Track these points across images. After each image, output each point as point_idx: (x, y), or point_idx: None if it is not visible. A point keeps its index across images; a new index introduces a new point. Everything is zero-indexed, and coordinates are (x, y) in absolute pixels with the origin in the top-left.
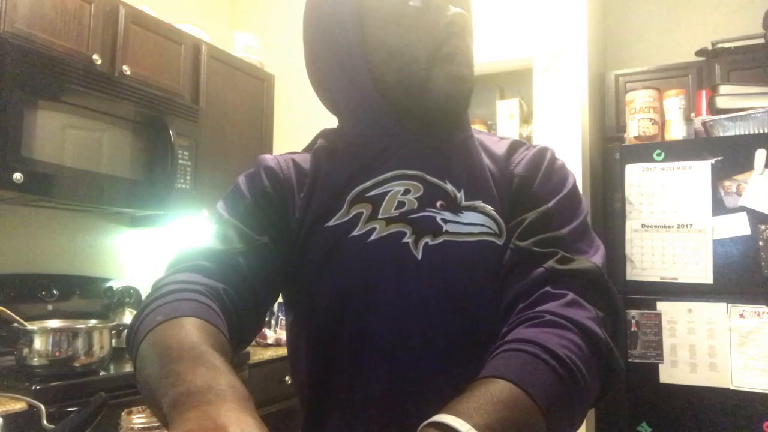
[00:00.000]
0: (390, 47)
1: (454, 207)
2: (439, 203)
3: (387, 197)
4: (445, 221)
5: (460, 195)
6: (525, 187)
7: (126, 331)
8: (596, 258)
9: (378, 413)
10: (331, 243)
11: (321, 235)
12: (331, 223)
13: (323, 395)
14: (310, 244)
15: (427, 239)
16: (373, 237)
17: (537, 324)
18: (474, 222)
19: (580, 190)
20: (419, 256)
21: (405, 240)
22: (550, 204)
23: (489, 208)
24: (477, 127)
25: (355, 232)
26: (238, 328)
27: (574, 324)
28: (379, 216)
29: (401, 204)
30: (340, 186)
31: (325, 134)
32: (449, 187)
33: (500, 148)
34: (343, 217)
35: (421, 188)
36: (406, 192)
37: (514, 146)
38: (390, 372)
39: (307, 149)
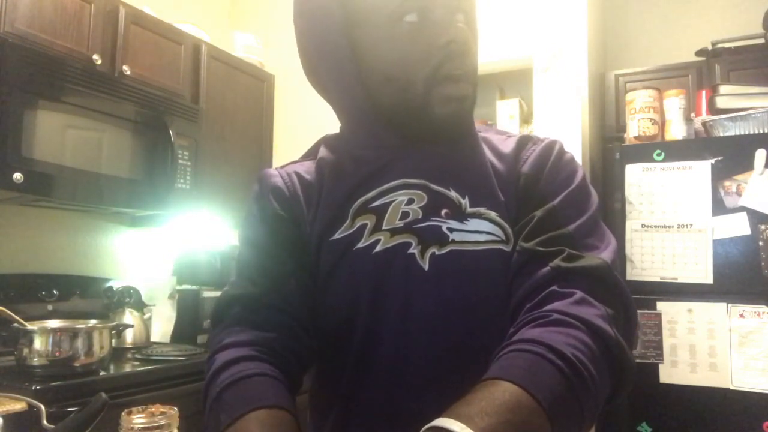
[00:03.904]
0: (384, 72)
1: (460, 215)
2: (444, 212)
3: (390, 207)
4: (451, 230)
5: (465, 202)
6: (531, 185)
7: (202, 398)
8: (606, 254)
9: (382, 423)
10: (337, 256)
11: (327, 249)
12: (336, 236)
13: (329, 402)
14: (319, 257)
15: (434, 249)
16: (377, 249)
17: (543, 323)
18: (480, 230)
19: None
20: (426, 267)
21: (411, 251)
22: (556, 201)
23: (493, 215)
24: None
25: (360, 244)
26: (297, 365)
27: (582, 322)
28: (384, 227)
29: (405, 214)
30: (343, 198)
31: (327, 141)
32: (453, 194)
33: (508, 146)
34: (348, 229)
35: (425, 197)
36: (410, 201)
37: (522, 143)
38: (396, 385)
39: (308, 156)
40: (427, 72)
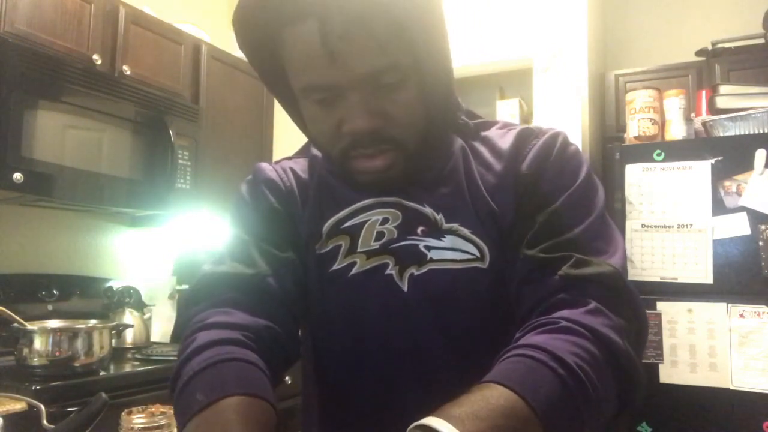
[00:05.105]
0: (312, 135)
1: (436, 231)
2: (420, 229)
3: (365, 228)
4: (429, 248)
5: (440, 217)
6: (531, 185)
7: (172, 374)
8: (615, 259)
9: (371, 426)
10: (317, 274)
11: (309, 262)
12: (315, 251)
13: (313, 405)
14: (306, 264)
15: (413, 270)
16: (354, 271)
17: (549, 330)
18: (456, 247)
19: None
20: (405, 288)
21: (388, 272)
22: (558, 203)
23: (466, 231)
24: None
25: (335, 267)
26: (282, 359)
27: (590, 331)
28: (359, 249)
29: (380, 234)
30: (318, 210)
31: None
32: (428, 210)
33: (506, 142)
34: (323, 248)
35: (400, 215)
36: (385, 221)
37: (522, 137)
38: (379, 404)
39: (301, 153)
40: (338, 150)
